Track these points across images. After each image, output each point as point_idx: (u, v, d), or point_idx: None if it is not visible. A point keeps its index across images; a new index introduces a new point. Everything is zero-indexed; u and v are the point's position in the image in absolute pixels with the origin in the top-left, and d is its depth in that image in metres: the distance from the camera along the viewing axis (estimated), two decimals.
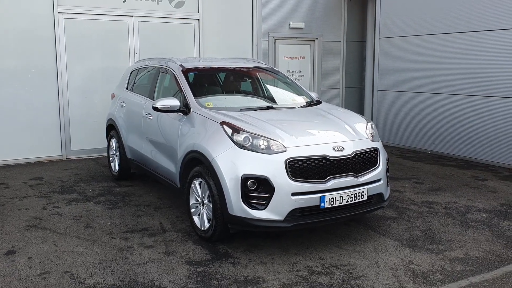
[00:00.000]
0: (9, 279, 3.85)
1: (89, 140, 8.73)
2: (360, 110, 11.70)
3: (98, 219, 5.32)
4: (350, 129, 4.79)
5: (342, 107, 11.40)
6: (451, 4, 8.57)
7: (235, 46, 10.04)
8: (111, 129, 7.09)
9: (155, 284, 3.80)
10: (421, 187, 6.69)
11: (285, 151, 4.25)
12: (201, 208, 4.68)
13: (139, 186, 6.67)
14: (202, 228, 4.66)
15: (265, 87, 6.10)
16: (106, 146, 7.42)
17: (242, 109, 5.09)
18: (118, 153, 6.86)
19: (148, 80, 6.38)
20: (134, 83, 6.78)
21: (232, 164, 4.26)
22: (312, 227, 4.87)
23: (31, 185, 6.71)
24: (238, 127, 4.43)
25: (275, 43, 10.49)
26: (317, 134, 4.60)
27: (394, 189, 6.53)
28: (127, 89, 6.91)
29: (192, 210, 4.83)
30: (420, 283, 3.83)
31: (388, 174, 4.92)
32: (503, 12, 7.69)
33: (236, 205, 4.22)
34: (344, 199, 4.35)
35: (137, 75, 6.80)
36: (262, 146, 4.28)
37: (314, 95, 5.97)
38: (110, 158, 7.23)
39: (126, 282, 3.83)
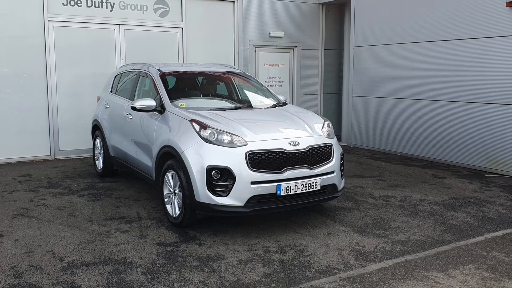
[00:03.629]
0: None
1: (77, 141, 9.22)
2: (338, 115, 12.29)
3: (81, 209, 5.82)
4: (308, 127, 5.33)
5: (320, 111, 12.01)
6: (419, 16, 9.19)
7: (218, 53, 10.60)
8: (96, 129, 7.61)
9: (127, 260, 4.30)
10: (382, 183, 7.24)
11: (246, 144, 4.78)
12: (173, 197, 5.20)
13: (121, 182, 7.17)
14: (174, 215, 5.17)
15: (236, 90, 6.65)
16: (92, 146, 7.92)
17: (213, 109, 5.62)
18: (102, 152, 7.36)
19: (130, 83, 6.91)
20: (118, 86, 7.31)
21: (199, 157, 4.79)
22: (269, 213, 5.39)
23: (20, 181, 7.20)
24: (205, 124, 4.97)
25: (255, 51, 11.06)
26: (276, 131, 5.14)
27: (357, 185, 7.08)
28: (111, 92, 7.43)
29: (166, 200, 5.34)
30: (361, 260, 4.36)
31: (342, 168, 5.46)
32: (468, 22, 8.30)
33: (202, 193, 4.74)
34: (299, 188, 4.88)
35: (120, 79, 7.33)
36: (226, 141, 4.82)
37: (281, 98, 6.51)
38: (95, 157, 7.73)
39: (101, 259, 4.33)
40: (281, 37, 11.31)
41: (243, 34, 10.81)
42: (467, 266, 4.22)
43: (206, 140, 4.85)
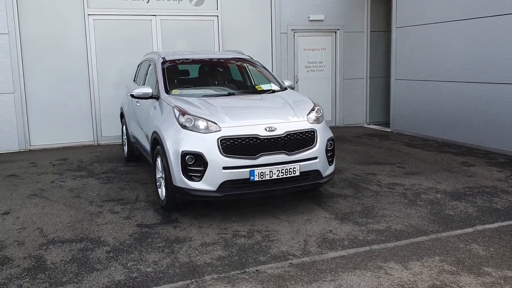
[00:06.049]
0: None
1: (117, 127, 9.78)
2: (386, 99, 11.79)
3: (89, 190, 6.24)
4: (293, 112, 5.24)
5: (366, 96, 11.63)
6: None
7: (254, 40, 10.63)
8: (122, 116, 8.04)
9: (100, 239, 4.58)
10: (399, 171, 6.90)
11: (219, 130, 4.84)
12: (162, 181, 5.40)
13: (141, 166, 7.54)
14: (162, 199, 5.38)
15: (239, 76, 6.67)
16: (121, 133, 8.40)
17: (205, 96, 5.72)
18: (126, 138, 7.78)
19: (144, 71, 7.21)
20: (138, 75, 7.65)
21: (176, 142, 4.94)
22: (244, 198, 5.42)
23: (54, 164, 7.84)
24: (184, 111, 5.09)
25: (294, 36, 10.92)
26: (256, 117, 5.11)
27: (370, 172, 6.82)
28: (133, 80, 7.80)
29: (158, 184, 5.56)
30: (323, 247, 4.26)
31: (330, 154, 5.30)
32: None
33: (178, 177, 4.89)
34: (274, 173, 4.85)
35: (140, 68, 7.66)
36: (202, 127, 4.90)
37: (287, 83, 6.43)
38: (123, 143, 8.19)
39: (79, 237, 4.65)
40: (321, 20, 11.06)
41: (281, 19, 10.72)
42: (432, 259, 3.96)
43: (183, 126, 4.97)
